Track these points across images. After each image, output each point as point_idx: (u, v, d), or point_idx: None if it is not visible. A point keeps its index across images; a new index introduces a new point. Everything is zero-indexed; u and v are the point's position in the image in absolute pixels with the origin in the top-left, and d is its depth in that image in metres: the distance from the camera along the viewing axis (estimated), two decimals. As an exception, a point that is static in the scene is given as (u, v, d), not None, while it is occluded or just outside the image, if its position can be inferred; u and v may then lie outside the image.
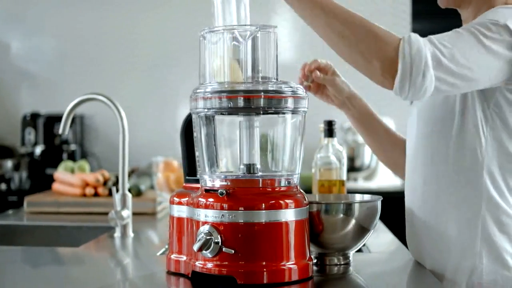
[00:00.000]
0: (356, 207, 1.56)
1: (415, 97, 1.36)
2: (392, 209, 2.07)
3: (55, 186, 2.87)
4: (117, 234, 2.07)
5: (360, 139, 4.13)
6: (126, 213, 2.07)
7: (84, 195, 2.73)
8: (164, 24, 4.48)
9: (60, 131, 2.12)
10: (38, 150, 4.13)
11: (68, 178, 2.82)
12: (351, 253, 1.61)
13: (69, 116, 2.11)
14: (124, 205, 2.08)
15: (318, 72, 1.75)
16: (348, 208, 1.56)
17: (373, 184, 4.01)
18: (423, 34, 1.41)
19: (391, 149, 1.80)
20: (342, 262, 1.59)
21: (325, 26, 1.40)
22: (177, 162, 2.76)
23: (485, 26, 1.39)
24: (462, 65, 1.35)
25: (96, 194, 2.74)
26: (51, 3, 4.49)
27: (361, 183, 4.03)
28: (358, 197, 1.69)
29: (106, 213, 2.56)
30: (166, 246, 1.90)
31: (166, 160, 2.76)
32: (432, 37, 1.37)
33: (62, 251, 1.95)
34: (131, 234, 2.08)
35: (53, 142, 4.19)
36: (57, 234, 2.38)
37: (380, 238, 2.08)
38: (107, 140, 4.42)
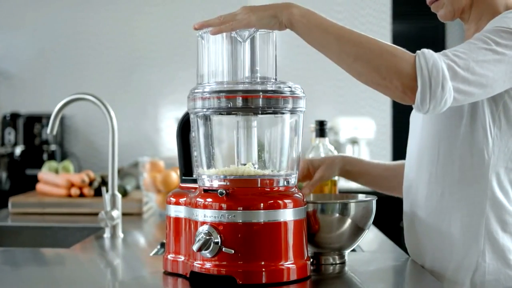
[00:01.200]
0: (352, 206, 1.57)
1: (436, 109, 1.37)
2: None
3: (40, 186, 2.84)
4: (107, 234, 2.06)
5: (340, 139, 4.16)
6: (116, 213, 2.06)
7: (70, 195, 2.72)
8: (146, 24, 4.46)
9: (49, 131, 2.10)
10: (18, 150, 4.09)
11: (53, 178, 2.80)
12: (347, 252, 1.62)
13: (57, 116, 2.10)
14: (113, 205, 2.07)
15: (306, 190, 1.75)
16: (344, 208, 1.56)
17: (354, 184, 4.02)
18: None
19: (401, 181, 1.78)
20: (337, 262, 1.60)
21: (339, 52, 1.39)
22: (163, 162, 2.75)
23: (497, 33, 1.41)
24: (478, 73, 1.37)
25: (81, 195, 2.72)
26: (30, 1, 4.45)
27: (341, 183, 4.04)
28: (352, 197, 1.70)
29: (92, 214, 2.56)
30: (158, 247, 1.89)
31: (152, 160, 2.75)
32: (445, 51, 1.39)
33: (54, 253, 1.93)
34: (120, 234, 2.07)
35: (33, 142, 4.15)
36: (43, 235, 2.37)
37: (370, 236, 2.09)
38: (86, 140, 4.40)
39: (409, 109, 1.75)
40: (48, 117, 4.11)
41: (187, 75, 4.24)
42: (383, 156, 4.46)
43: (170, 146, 4.42)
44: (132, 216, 2.57)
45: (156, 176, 2.62)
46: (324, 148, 1.97)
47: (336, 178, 1.97)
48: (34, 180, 2.97)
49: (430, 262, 1.58)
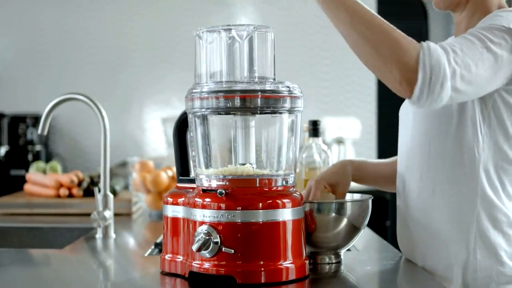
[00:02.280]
0: (348, 206, 1.57)
1: (431, 106, 1.38)
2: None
3: (27, 187, 2.82)
4: (99, 235, 2.05)
5: (326, 139, 4.17)
6: (108, 213, 2.05)
7: (58, 196, 2.70)
8: (132, 25, 4.44)
9: (40, 131, 2.09)
10: (3, 151, 4.06)
11: (41, 179, 2.78)
12: (343, 251, 1.63)
13: (48, 116, 2.09)
14: (106, 205, 2.06)
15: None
16: (341, 207, 1.57)
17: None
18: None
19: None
20: (333, 261, 1.60)
21: (348, 27, 1.41)
22: (152, 163, 2.74)
23: (490, 31, 1.42)
24: (474, 72, 1.38)
25: (70, 195, 2.71)
26: (15, 0, 4.42)
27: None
28: (348, 196, 1.70)
29: (81, 214, 2.55)
30: (153, 247, 1.89)
31: (142, 160, 2.74)
32: (444, 44, 1.39)
33: (46, 254, 1.92)
34: (113, 235, 2.06)
35: (17, 143, 4.12)
36: (33, 236, 2.35)
37: (362, 236, 2.09)
38: (72, 140, 4.37)
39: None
40: (33, 117, 4.12)
41: (172, 75, 4.23)
42: (369, 156, 4.47)
43: (155, 146, 4.41)
44: (122, 216, 2.56)
45: (146, 176, 2.61)
46: (317, 148, 1.97)
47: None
48: (19, 180, 2.95)
49: (421, 259, 1.59)
